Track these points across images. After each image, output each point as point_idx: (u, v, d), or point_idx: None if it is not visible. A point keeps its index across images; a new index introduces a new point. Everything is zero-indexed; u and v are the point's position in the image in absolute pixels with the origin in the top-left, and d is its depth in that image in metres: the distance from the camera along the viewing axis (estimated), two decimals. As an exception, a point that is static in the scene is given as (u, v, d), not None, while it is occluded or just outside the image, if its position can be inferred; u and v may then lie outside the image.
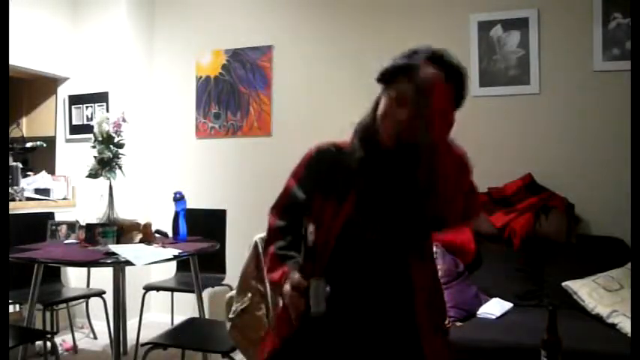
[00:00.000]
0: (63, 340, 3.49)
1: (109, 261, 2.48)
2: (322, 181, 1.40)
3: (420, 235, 1.37)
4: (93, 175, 2.90)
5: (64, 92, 4.16)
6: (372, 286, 1.33)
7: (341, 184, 1.36)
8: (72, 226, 3.06)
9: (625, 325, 2.34)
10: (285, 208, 1.46)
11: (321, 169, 1.42)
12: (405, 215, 1.32)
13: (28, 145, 3.92)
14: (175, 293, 3.72)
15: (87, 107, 4.07)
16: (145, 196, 4.17)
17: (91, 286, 3.57)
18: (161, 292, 3.62)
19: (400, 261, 1.34)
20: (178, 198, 3.20)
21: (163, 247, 2.72)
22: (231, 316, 1.73)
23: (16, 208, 3.45)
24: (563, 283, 2.70)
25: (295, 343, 1.34)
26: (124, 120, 2.96)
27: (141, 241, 2.85)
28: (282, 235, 1.41)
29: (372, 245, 1.33)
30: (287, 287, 1.24)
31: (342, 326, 1.32)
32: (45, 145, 3.98)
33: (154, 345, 2.26)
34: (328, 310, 1.20)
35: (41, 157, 4.20)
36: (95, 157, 2.91)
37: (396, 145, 1.28)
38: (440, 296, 1.44)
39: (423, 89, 1.22)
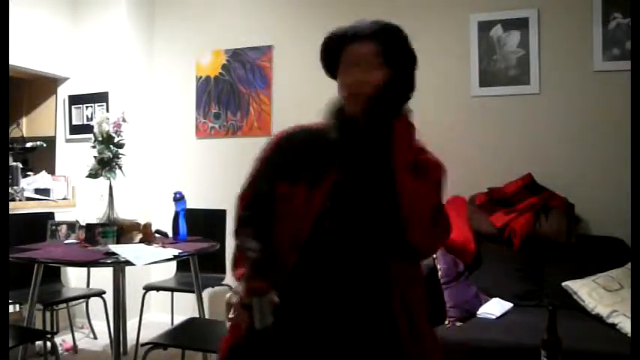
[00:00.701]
0: (63, 340, 3.49)
1: (109, 261, 2.48)
2: (292, 165, 1.34)
3: (397, 231, 1.29)
4: (93, 175, 2.90)
5: (64, 92, 4.16)
6: (346, 282, 1.27)
7: (314, 167, 1.31)
8: (72, 226, 3.06)
9: (625, 325, 2.35)
10: (250, 197, 1.42)
11: (290, 152, 1.36)
12: (381, 204, 1.26)
13: (28, 145, 3.92)
14: (175, 293, 3.72)
15: (87, 107, 4.06)
16: (145, 196, 4.17)
17: (91, 286, 3.57)
18: (161, 292, 3.62)
19: (377, 257, 1.28)
20: (178, 198, 3.20)
21: (163, 247, 2.72)
22: (231, 316, 1.73)
23: (16, 208, 3.45)
24: (563, 283, 2.70)
25: (252, 346, 1.28)
26: (124, 120, 2.96)
27: (141, 241, 2.85)
28: (247, 226, 1.37)
29: (346, 238, 1.27)
30: (234, 300, 1.22)
31: (313, 326, 1.26)
32: (45, 145, 3.97)
33: (154, 345, 2.26)
34: (298, 310, 1.20)
35: (41, 157, 4.20)
36: (95, 157, 2.91)
37: (362, 114, 1.29)
38: (422, 295, 1.38)
39: (345, 52, 1.31)
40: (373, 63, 1.27)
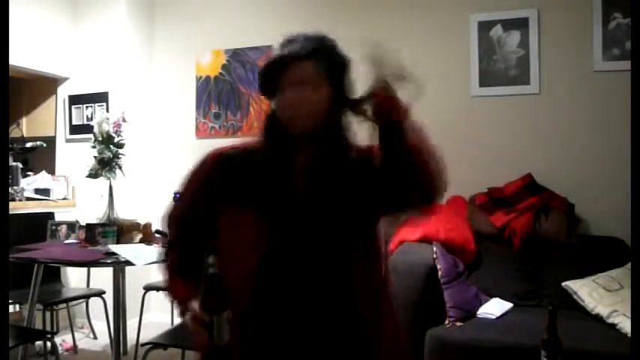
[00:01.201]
0: (63, 340, 3.49)
1: (109, 261, 2.48)
2: (238, 188, 1.28)
3: (360, 230, 1.28)
4: (93, 175, 2.90)
5: (64, 92, 4.16)
6: (310, 299, 1.25)
7: (263, 190, 1.26)
8: (72, 226, 3.06)
9: (625, 325, 2.34)
10: (184, 216, 1.38)
11: (230, 176, 1.30)
12: (344, 207, 1.25)
13: (28, 145, 3.92)
14: (175, 293, 3.71)
15: (87, 107, 4.07)
16: (145, 196, 4.17)
17: (91, 286, 3.57)
18: (161, 292, 3.61)
19: (341, 267, 1.26)
20: (178, 198, 3.20)
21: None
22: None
23: (16, 208, 3.45)
24: (563, 283, 2.70)
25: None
26: (124, 120, 2.97)
27: (141, 241, 2.85)
28: (182, 246, 1.34)
29: (303, 258, 1.25)
30: (189, 319, 1.18)
31: (281, 342, 1.25)
32: (45, 145, 3.97)
33: (154, 345, 2.27)
34: (264, 328, 1.21)
35: (41, 157, 4.20)
36: (95, 157, 2.92)
37: (300, 131, 1.27)
38: (388, 298, 1.36)
39: (284, 74, 1.26)
40: (313, 82, 1.25)
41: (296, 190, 1.27)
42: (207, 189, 1.34)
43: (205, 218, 1.32)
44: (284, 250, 1.25)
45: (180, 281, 1.30)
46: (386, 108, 1.19)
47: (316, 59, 1.25)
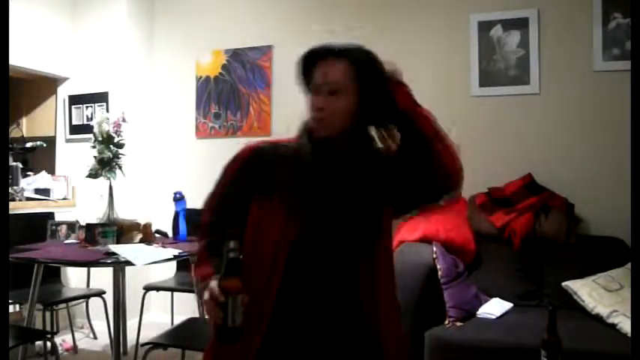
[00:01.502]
0: (63, 340, 3.49)
1: (109, 261, 2.48)
2: (266, 181, 1.34)
3: (372, 233, 1.33)
4: (93, 175, 2.90)
5: (64, 92, 4.16)
6: (331, 290, 1.31)
7: (291, 183, 1.32)
8: (72, 226, 3.06)
9: (625, 325, 2.35)
10: (218, 204, 1.44)
11: (263, 167, 1.36)
12: (360, 208, 1.30)
13: (28, 145, 3.92)
14: (175, 293, 3.72)
15: (87, 107, 4.07)
16: (145, 196, 4.17)
17: (91, 286, 3.56)
18: (161, 292, 3.62)
19: (349, 268, 1.32)
20: (178, 198, 3.20)
21: (163, 247, 2.72)
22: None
23: (16, 208, 3.45)
24: (563, 283, 2.70)
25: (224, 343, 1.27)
26: (124, 120, 2.97)
27: (141, 241, 2.85)
28: (214, 232, 1.39)
29: (325, 252, 1.31)
30: (206, 296, 1.21)
31: (292, 340, 1.31)
32: (45, 145, 3.98)
33: (154, 345, 2.27)
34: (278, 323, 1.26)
35: (41, 157, 4.20)
36: (95, 157, 2.92)
37: (338, 138, 1.31)
38: (393, 304, 1.42)
39: (316, 68, 1.32)
40: (343, 84, 1.28)
41: (324, 185, 1.31)
42: (239, 180, 1.40)
43: (237, 207, 1.38)
44: (310, 243, 1.30)
45: (206, 263, 1.35)
46: (397, 93, 1.26)
47: (350, 59, 1.28)
